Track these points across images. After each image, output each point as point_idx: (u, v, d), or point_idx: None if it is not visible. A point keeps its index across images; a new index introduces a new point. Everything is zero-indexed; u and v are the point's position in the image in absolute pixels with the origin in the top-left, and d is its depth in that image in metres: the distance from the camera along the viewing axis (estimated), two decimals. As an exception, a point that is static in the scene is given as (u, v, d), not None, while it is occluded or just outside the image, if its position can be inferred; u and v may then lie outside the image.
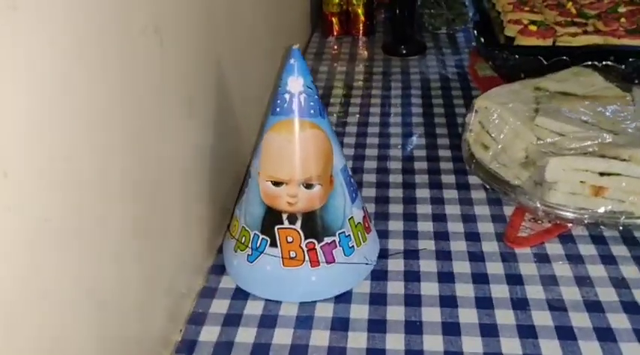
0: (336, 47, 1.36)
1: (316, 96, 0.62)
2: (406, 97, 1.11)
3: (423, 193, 0.82)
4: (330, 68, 1.25)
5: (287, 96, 0.60)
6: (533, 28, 0.94)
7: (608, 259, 0.69)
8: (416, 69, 1.23)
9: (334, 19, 1.39)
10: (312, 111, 0.61)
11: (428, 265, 0.68)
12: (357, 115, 1.04)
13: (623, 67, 0.93)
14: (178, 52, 0.60)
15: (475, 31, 1.07)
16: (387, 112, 1.06)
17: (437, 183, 0.84)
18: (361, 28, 1.40)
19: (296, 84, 0.60)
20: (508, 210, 0.77)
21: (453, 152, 0.91)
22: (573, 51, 0.92)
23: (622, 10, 1.03)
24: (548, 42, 0.94)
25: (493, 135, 0.80)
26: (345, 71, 1.23)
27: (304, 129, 0.61)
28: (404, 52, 1.29)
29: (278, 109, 0.61)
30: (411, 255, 0.70)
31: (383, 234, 0.73)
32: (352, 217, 0.64)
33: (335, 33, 1.41)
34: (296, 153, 0.61)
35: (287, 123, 0.61)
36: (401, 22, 1.27)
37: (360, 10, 1.38)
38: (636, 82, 0.99)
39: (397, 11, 1.26)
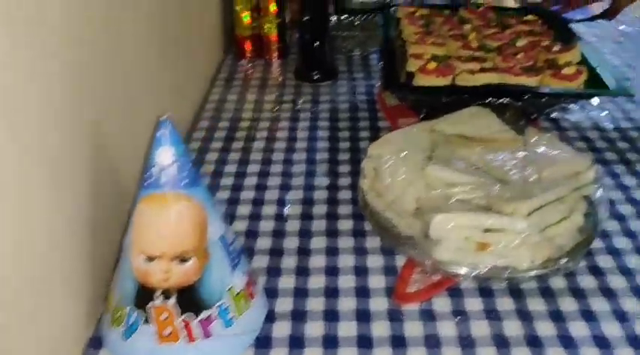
0: (248, 72, 1.33)
1: (189, 165, 0.59)
2: (313, 130, 1.09)
3: (318, 243, 0.81)
4: (239, 96, 1.22)
5: (156, 168, 0.58)
6: (432, 66, 0.94)
7: (493, 314, 0.69)
8: (326, 96, 1.22)
9: (246, 42, 1.37)
10: (184, 182, 0.59)
11: (314, 328, 0.67)
12: (261, 153, 1.02)
13: (519, 103, 0.94)
14: (43, 114, 0.56)
15: (380, 63, 1.07)
16: (292, 148, 1.04)
17: (334, 230, 0.83)
18: (274, 51, 1.38)
19: (166, 155, 0.58)
20: (401, 260, 0.77)
21: (353, 193, 0.90)
22: (471, 90, 0.93)
23: (521, 43, 1.04)
24: (448, 80, 0.94)
25: (386, 183, 0.80)
26: (254, 100, 1.21)
27: (176, 201, 0.58)
28: (315, 77, 1.27)
29: (147, 182, 0.58)
30: (299, 316, 0.69)
31: (272, 293, 0.72)
32: (232, 287, 0.62)
33: (247, 56, 1.38)
34: (167, 227, 0.58)
35: (157, 197, 0.58)
36: (311, 47, 1.26)
37: (272, 33, 1.36)
38: (533, 117, 1.01)
39: (307, 36, 1.24)
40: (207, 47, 1.33)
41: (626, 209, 0.88)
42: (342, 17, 1.44)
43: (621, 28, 1.56)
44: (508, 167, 0.79)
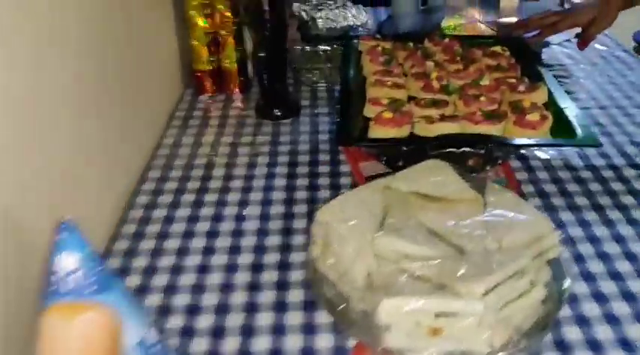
0: (206, 109, 1.27)
1: (98, 269, 0.53)
2: (271, 177, 1.03)
3: (265, 319, 0.75)
4: (196, 137, 1.16)
5: (58, 276, 0.52)
6: (388, 115, 0.88)
7: (447, 404, 0.64)
8: (287, 136, 1.16)
9: (206, 77, 1.31)
10: (91, 290, 0.53)
11: None
12: (213, 207, 0.96)
13: (482, 151, 0.88)
14: None
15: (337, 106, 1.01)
16: (246, 200, 0.98)
17: (282, 303, 0.78)
18: (235, 85, 1.31)
19: (68, 261, 0.52)
20: (353, 340, 0.71)
21: (307, 255, 0.84)
22: (429, 140, 0.87)
23: (485, 82, 0.98)
24: (405, 131, 0.88)
25: (335, 253, 0.74)
26: (211, 141, 1.15)
27: (82, 311, 0.52)
28: (276, 114, 1.21)
29: (50, 291, 0.52)
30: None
31: (210, 385, 0.66)
32: (154, 396, 0.56)
33: (207, 91, 1.32)
34: (72, 341, 0.52)
35: (61, 308, 0.52)
36: (271, 84, 1.20)
37: (232, 67, 1.30)
38: (499, 162, 0.95)
39: (266, 72, 1.18)
40: (165, 83, 1.28)
41: (596, 266, 0.82)
42: (307, 47, 1.38)
43: (597, 46, 1.51)
44: (466, 234, 0.73)
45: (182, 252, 0.86)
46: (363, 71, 1.08)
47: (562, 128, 0.89)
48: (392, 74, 1.03)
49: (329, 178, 1.02)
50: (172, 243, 0.88)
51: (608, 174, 1.02)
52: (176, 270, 0.83)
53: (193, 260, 0.85)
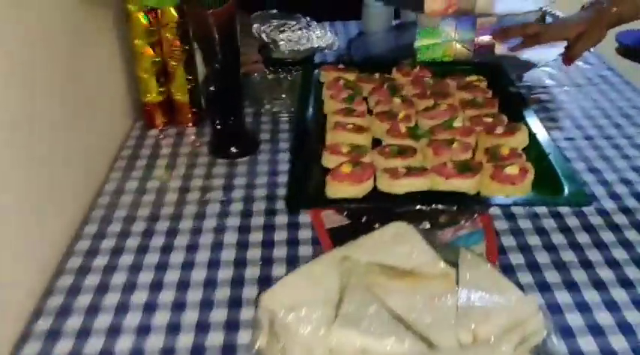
0: (156, 146, 1.15)
1: None
2: (220, 232, 0.92)
3: None
4: (140, 182, 1.04)
5: None
6: (347, 169, 0.77)
7: None
8: (243, 178, 1.04)
9: (155, 110, 1.18)
10: None
11: None
12: (154, 269, 0.85)
13: (455, 208, 0.78)
14: None
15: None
16: (191, 261, 0.86)
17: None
18: (188, 118, 1.20)
19: None
20: None
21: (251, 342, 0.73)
22: (393, 201, 0.76)
23: (458, 124, 0.87)
24: (366, 187, 0.77)
25: (282, 346, 0.63)
26: (156, 188, 1.03)
27: None
28: (232, 152, 1.10)
29: None
30: None
31: None
32: None
33: (158, 125, 1.20)
34: None
35: None
36: (225, 119, 1.08)
37: (183, 99, 1.18)
38: (475, 217, 0.85)
39: (217, 108, 1.06)
40: (112, 119, 1.16)
41: (586, 342, 0.72)
42: (268, 74, 1.26)
43: (580, 64, 1.41)
44: (436, 323, 0.62)
45: (113, 329, 0.75)
46: (324, 108, 0.97)
47: (546, 180, 0.79)
48: (354, 114, 0.92)
49: (286, 231, 0.91)
50: (103, 321, 0.77)
51: (596, 220, 0.91)
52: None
53: (125, 342, 0.74)
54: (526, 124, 0.90)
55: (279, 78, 1.25)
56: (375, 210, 0.78)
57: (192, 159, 1.11)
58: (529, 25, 1.21)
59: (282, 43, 1.31)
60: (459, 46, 1.36)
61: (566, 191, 0.75)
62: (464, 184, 0.76)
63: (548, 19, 1.46)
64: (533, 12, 1.28)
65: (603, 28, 1.14)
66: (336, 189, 0.76)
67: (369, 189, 0.78)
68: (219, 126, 1.05)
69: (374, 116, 0.92)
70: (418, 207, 0.76)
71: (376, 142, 0.90)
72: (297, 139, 0.90)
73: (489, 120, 0.90)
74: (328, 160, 0.82)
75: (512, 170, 0.76)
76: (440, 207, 0.76)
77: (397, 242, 0.71)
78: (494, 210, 0.91)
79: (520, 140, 0.85)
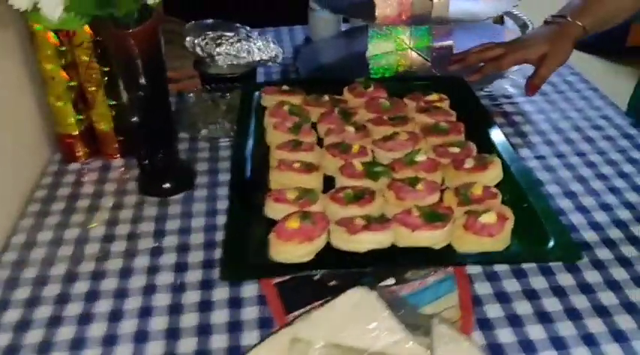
0: (77, 182, 1.00)
1: None
2: (149, 293, 0.78)
3: None
4: (56, 231, 0.89)
5: None
6: (293, 224, 0.64)
7: None
8: (176, 221, 0.90)
9: (75, 142, 1.03)
10: None
11: None
12: (66, 351, 0.70)
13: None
14: None
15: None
16: (113, 333, 0.72)
17: None
18: (113, 149, 1.05)
19: None
20: None
21: None
22: (352, 260, 0.64)
23: (422, 157, 0.75)
24: (318, 244, 0.64)
25: None
26: (74, 239, 0.88)
27: None
28: (164, 189, 0.96)
29: None
30: None
31: None
32: None
33: (79, 158, 1.04)
34: None
35: None
36: (152, 153, 0.93)
37: (107, 127, 1.03)
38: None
39: (143, 142, 0.92)
40: (23, 153, 1.00)
41: None
42: (203, 92, 1.12)
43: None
44: None
45: None
46: (266, 138, 0.84)
47: (525, 223, 0.67)
48: (301, 148, 0.79)
49: (228, 289, 0.77)
50: None
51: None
52: None
53: None
54: (497, 153, 0.79)
55: (216, 98, 1.11)
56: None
57: (119, 199, 0.96)
58: (488, 48, 1.08)
59: (219, 57, 1.17)
60: (414, 54, 1.25)
61: (552, 241, 0.64)
62: (433, 236, 0.64)
63: (509, 23, 1.36)
64: (492, 17, 1.18)
65: (568, 44, 1.03)
66: (282, 251, 0.63)
67: (321, 246, 0.65)
68: (146, 162, 0.90)
69: (324, 150, 0.79)
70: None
71: (329, 181, 0.78)
72: (236, 182, 0.77)
73: (456, 150, 0.78)
74: (272, 209, 0.69)
75: (488, 218, 0.64)
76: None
77: (358, 316, 0.59)
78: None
79: (493, 175, 0.74)
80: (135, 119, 0.88)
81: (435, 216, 0.65)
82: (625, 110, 1.19)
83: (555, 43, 1.00)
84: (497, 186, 0.74)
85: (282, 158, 0.77)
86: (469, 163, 0.74)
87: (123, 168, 1.03)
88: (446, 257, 0.64)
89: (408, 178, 0.72)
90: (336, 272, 0.65)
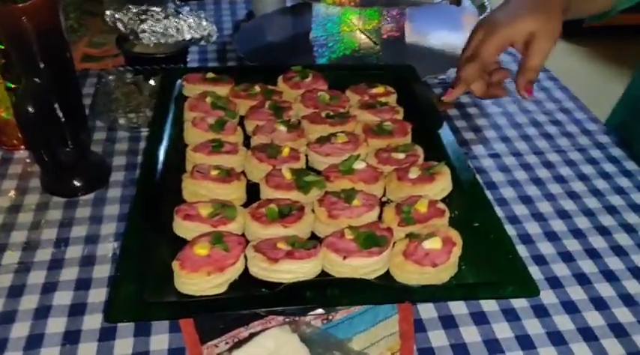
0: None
1: None
2: (42, 317, 0.66)
3: None
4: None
5: None
6: (202, 250, 0.53)
7: None
8: (83, 226, 0.78)
9: (-32, 129, 0.89)
10: None
11: None
12: None
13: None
14: None
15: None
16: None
17: None
18: (17, 137, 0.91)
19: None
20: None
21: None
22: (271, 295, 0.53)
23: (361, 165, 0.65)
24: (231, 273, 0.54)
25: None
26: (-39, 247, 0.75)
27: None
28: (72, 187, 0.83)
29: None
30: None
31: None
32: None
33: (-26, 149, 0.91)
34: None
35: None
36: (53, 149, 0.80)
37: (7, 115, 0.89)
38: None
39: (40, 135, 0.78)
40: None
41: None
42: (127, 76, 0.99)
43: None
44: None
45: None
46: (184, 137, 0.73)
47: (475, 247, 0.58)
48: (223, 150, 0.68)
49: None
50: None
51: (537, 275, 0.73)
52: None
53: None
54: (447, 157, 0.69)
55: (140, 81, 0.98)
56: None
57: (19, 198, 0.83)
58: (465, 51, 0.80)
59: (144, 34, 1.03)
60: (363, 36, 1.14)
61: (505, 272, 0.55)
62: (368, 264, 0.54)
63: (467, 4, 1.26)
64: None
65: (557, 18, 0.77)
66: (188, 283, 0.52)
67: (237, 275, 0.55)
68: (47, 159, 0.77)
69: (250, 153, 0.68)
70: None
71: (254, 188, 0.67)
72: (143, 189, 0.65)
73: (401, 155, 0.68)
74: (182, 228, 0.59)
75: (433, 244, 0.55)
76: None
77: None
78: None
79: (441, 188, 0.64)
80: (30, 109, 0.74)
81: (371, 240, 0.55)
82: (597, 117, 1.08)
83: (541, 16, 0.75)
84: (444, 199, 0.65)
85: (199, 163, 0.66)
86: (414, 173, 0.64)
87: (27, 161, 0.90)
88: (385, 291, 0.54)
89: (344, 191, 0.61)
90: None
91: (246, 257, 0.56)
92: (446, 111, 1.02)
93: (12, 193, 0.84)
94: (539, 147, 0.97)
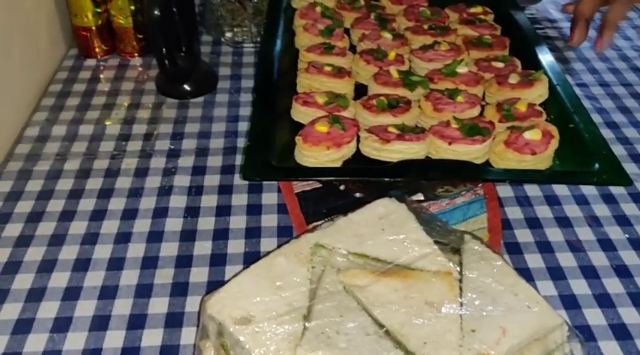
0: (92, 79, 0.95)
1: None
2: (164, 195, 0.75)
3: None
4: (70, 126, 0.85)
5: None
6: (322, 128, 0.60)
7: None
8: (195, 125, 0.86)
9: (93, 36, 0.98)
10: None
11: None
12: (86, 224, 0.68)
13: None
14: None
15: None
16: (130, 219, 0.70)
17: None
18: (132, 47, 0.99)
19: None
20: None
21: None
22: (383, 171, 0.59)
23: (463, 69, 0.70)
24: (346, 151, 0.60)
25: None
26: (89, 135, 0.84)
27: None
28: (184, 90, 0.91)
29: None
30: None
31: None
32: None
33: (96, 54, 0.99)
34: None
35: None
36: (173, 52, 0.88)
37: (126, 23, 0.97)
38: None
39: (162, 37, 0.86)
40: (41, 46, 0.95)
41: (608, 346, 0.58)
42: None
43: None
44: (434, 336, 0.48)
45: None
46: (295, 41, 0.78)
47: (570, 145, 0.63)
48: (333, 52, 0.74)
49: (247, 196, 0.74)
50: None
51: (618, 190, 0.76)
52: None
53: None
54: (544, 71, 0.73)
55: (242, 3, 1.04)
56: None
57: (136, 98, 0.92)
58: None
59: (247, -43, 1.09)
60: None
61: (598, 165, 0.59)
62: (471, 151, 0.59)
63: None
64: None
65: None
66: (308, 155, 0.59)
67: (351, 154, 0.61)
68: (167, 62, 0.85)
69: (358, 56, 0.73)
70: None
71: (361, 89, 0.73)
72: (261, 83, 0.72)
73: (500, 65, 0.72)
74: (299, 113, 0.65)
75: (533, 135, 0.59)
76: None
77: (385, 227, 0.55)
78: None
79: (539, 92, 0.68)
80: (156, 12, 0.82)
81: (475, 130, 0.60)
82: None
83: None
84: (541, 105, 0.68)
85: (312, 61, 0.72)
86: (513, 79, 0.68)
87: (142, 68, 0.99)
88: (483, 173, 0.60)
89: (448, 89, 0.66)
90: (363, 182, 0.61)
91: (358, 139, 0.62)
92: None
93: (130, 93, 0.92)
94: (627, 80, 0.99)
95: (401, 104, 0.65)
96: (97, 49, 0.99)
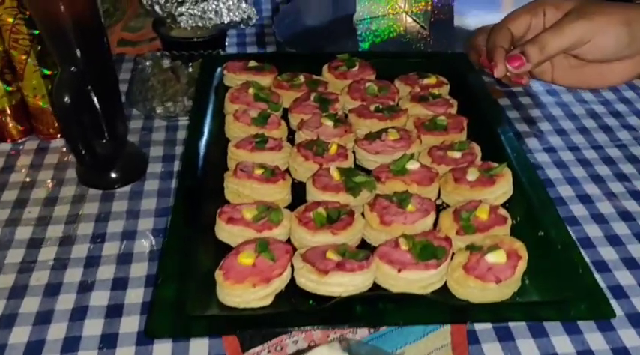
0: (6, 167, 0.84)
1: None
2: (79, 318, 0.64)
3: None
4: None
5: None
6: (246, 260, 0.50)
7: None
8: (120, 221, 0.75)
9: (5, 118, 0.87)
10: None
11: None
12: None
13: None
14: None
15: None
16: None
17: None
18: (54, 127, 0.89)
19: None
20: None
21: None
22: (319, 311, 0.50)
23: (415, 165, 0.61)
24: (277, 284, 0.50)
25: None
26: (-4, 239, 0.73)
27: None
28: (108, 179, 0.81)
29: None
30: None
31: None
32: None
33: (12, 136, 0.88)
34: None
35: None
36: (89, 139, 0.77)
37: (42, 102, 0.86)
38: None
39: (75, 126, 0.75)
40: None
41: None
42: (164, 62, 0.96)
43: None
44: None
45: None
46: (225, 130, 0.69)
47: (541, 261, 0.53)
48: (267, 146, 0.64)
49: (174, 315, 0.63)
50: None
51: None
52: None
53: None
54: (507, 158, 0.64)
55: (177, 67, 0.94)
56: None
57: (55, 191, 0.81)
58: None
59: (181, 18, 1.00)
60: (409, 19, 1.09)
61: (575, 291, 0.50)
62: (424, 278, 0.50)
63: None
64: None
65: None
66: (231, 294, 0.49)
67: (283, 285, 0.51)
68: (84, 152, 0.75)
69: (295, 150, 0.64)
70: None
71: (299, 188, 0.63)
72: (182, 189, 0.62)
73: (457, 155, 0.63)
74: (224, 232, 0.55)
75: (497, 258, 0.50)
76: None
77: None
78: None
79: (502, 190, 0.59)
80: (66, 100, 0.71)
81: (428, 251, 0.50)
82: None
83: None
84: (505, 204, 0.60)
85: (242, 160, 0.62)
86: (472, 175, 0.59)
87: (64, 150, 0.88)
88: (443, 309, 0.50)
89: (397, 195, 0.57)
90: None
91: (292, 266, 0.52)
92: (496, 101, 0.96)
93: (49, 184, 0.82)
94: (598, 141, 0.91)
95: (342, 216, 0.55)
96: (12, 132, 0.88)
